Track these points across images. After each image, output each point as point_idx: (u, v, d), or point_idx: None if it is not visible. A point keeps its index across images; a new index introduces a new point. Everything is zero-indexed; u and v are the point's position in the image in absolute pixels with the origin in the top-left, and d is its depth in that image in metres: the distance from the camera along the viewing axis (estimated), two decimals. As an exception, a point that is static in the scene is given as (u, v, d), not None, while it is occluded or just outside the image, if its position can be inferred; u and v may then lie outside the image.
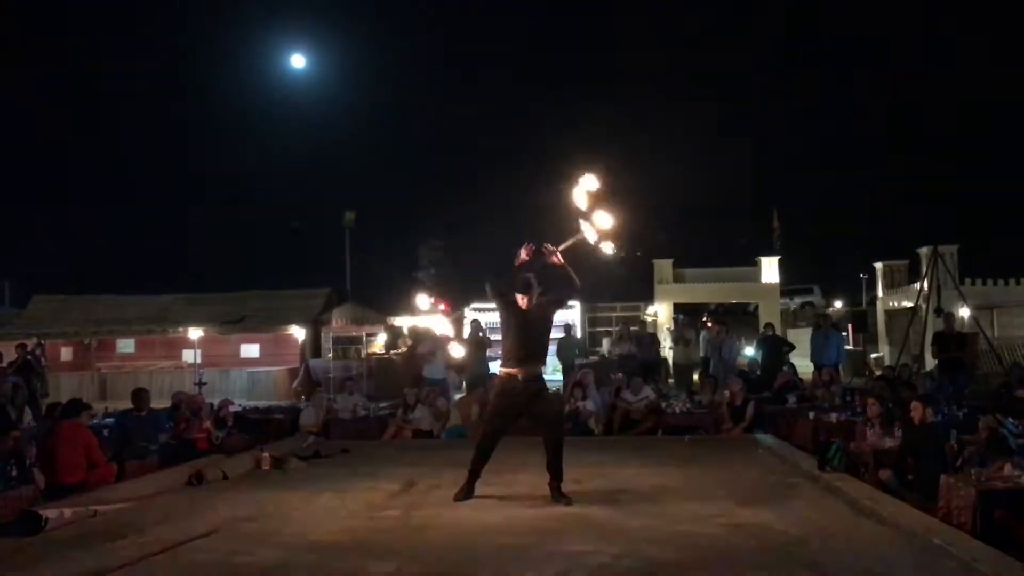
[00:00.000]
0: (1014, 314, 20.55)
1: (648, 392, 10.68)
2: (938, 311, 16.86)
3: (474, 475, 6.11)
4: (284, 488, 6.85)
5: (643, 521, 5.39)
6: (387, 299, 23.54)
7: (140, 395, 8.97)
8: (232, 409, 9.81)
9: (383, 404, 12.24)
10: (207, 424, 9.16)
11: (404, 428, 10.28)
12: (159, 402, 11.10)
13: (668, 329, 20.12)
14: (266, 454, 8.05)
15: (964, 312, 17.65)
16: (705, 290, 25.26)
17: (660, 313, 23.72)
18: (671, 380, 16.00)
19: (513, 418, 6.12)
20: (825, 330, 13.78)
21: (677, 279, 24.60)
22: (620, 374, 11.58)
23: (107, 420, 10.03)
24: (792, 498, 5.98)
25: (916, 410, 6.24)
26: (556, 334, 17.02)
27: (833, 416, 8.66)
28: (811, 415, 8.93)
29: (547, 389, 6.26)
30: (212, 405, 9.95)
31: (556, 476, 6.02)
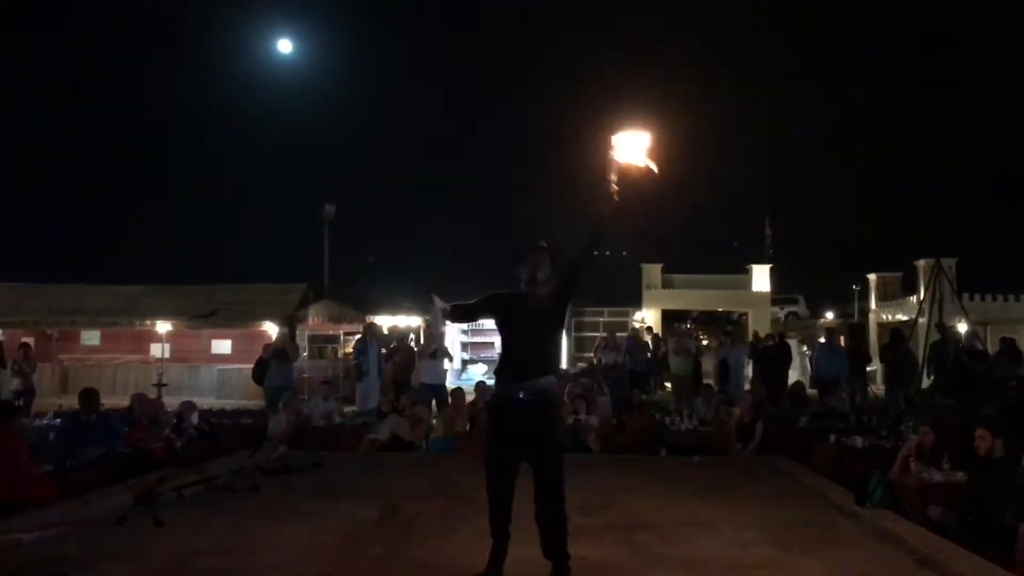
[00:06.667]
0: (1012, 330, 20.06)
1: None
2: (939, 326, 16.32)
3: (498, 539, 4.32)
4: (247, 513, 5.95)
5: (669, 571, 4.58)
6: (366, 296, 22.66)
7: (88, 396, 8.02)
8: (193, 420, 8.88)
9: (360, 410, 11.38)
10: (166, 432, 8.25)
11: (375, 442, 9.44)
12: (122, 399, 10.11)
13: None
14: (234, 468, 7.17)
15: (963, 327, 17.13)
16: (695, 297, 24.58)
17: (648, 319, 23.00)
18: (660, 392, 15.34)
19: (514, 453, 4.26)
20: (830, 343, 13.13)
21: (666, 285, 23.88)
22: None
23: (56, 421, 9.09)
24: (837, 542, 5.19)
25: (983, 440, 5.42)
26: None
27: (859, 440, 7.89)
28: (832, 438, 8.15)
29: (552, 414, 4.35)
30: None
31: (553, 553, 4.20)
